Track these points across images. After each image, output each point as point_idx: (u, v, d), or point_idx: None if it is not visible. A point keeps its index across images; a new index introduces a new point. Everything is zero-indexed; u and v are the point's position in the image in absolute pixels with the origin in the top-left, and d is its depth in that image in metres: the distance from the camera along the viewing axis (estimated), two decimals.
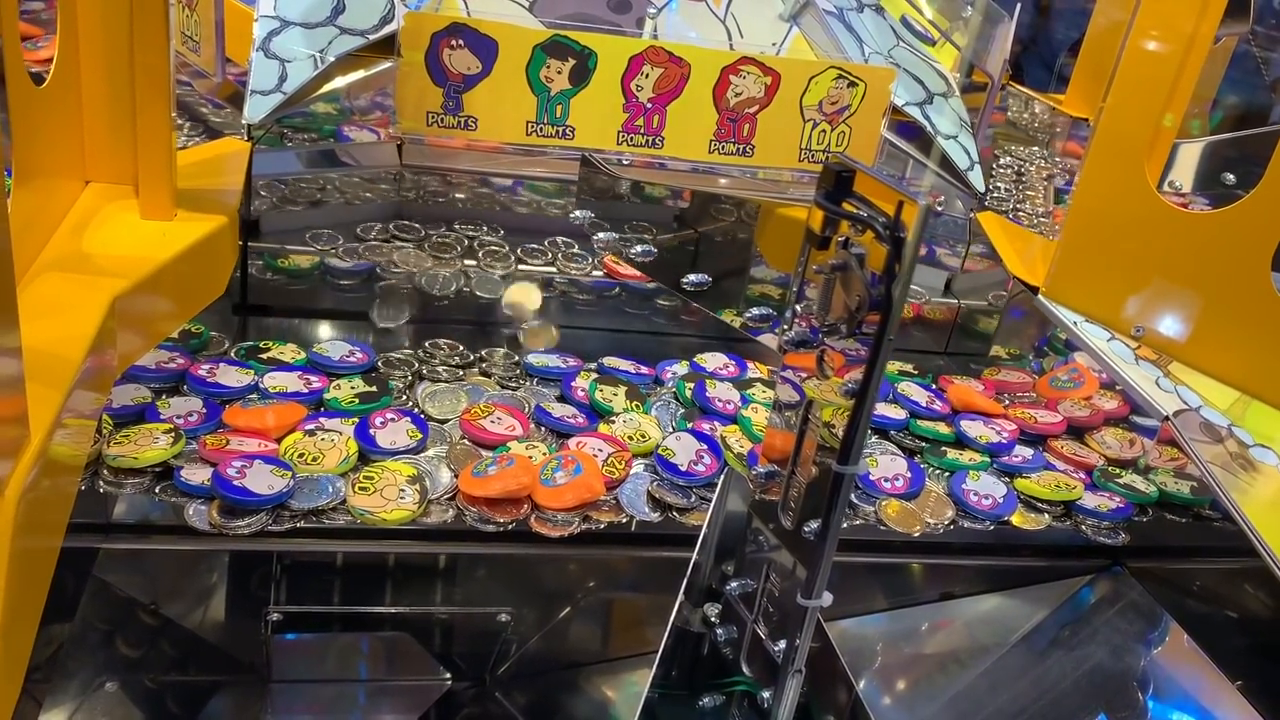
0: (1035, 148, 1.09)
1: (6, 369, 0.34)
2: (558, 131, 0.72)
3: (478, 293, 0.76)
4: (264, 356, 0.65)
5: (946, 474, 0.67)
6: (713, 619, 0.53)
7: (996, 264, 0.78)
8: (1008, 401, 0.77)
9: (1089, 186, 0.69)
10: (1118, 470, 0.70)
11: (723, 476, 0.57)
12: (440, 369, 0.68)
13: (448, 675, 0.63)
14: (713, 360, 0.74)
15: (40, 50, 0.74)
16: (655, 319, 0.81)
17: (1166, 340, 0.67)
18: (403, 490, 0.55)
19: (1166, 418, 0.62)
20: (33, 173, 0.49)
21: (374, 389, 0.63)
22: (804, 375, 0.45)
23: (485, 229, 0.78)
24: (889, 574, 0.67)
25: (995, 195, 0.95)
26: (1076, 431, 0.74)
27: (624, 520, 0.58)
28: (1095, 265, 0.69)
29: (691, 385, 0.69)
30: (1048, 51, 1.49)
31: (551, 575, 0.67)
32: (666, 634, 0.51)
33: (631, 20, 0.74)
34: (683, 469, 0.60)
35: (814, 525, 0.45)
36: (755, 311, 0.77)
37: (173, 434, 0.55)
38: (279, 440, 0.58)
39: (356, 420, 0.60)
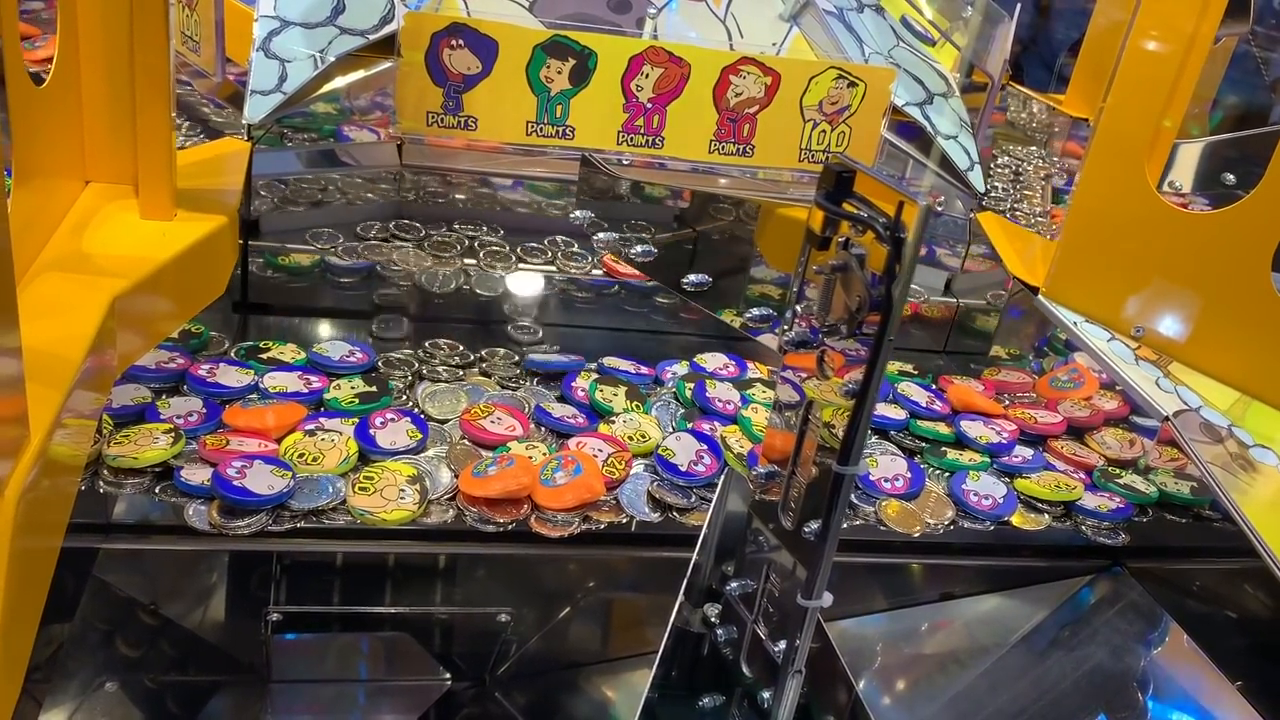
0: (1033, 147, 1.09)
1: (6, 369, 0.34)
2: (558, 131, 0.72)
3: (477, 290, 0.76)
4: (264, 356, 0.65)
5: (946, 474, 0.67)
6: (713, 619, 0.53)
7: (996, 264, 0.78)
8: (1008, 402, 0.77)
9: (1089, 186, 0.69)
10: (1118, 470, 0.70)
11: (723, 477, 0.57)
12: (440, 369, 0.68)
13: (447, 675, 0.63)
14: (713, 360, 0.74)
15: (38, 50, 0.74)
16: (655, 316, 0.81)
17: (1166, 340, 0.67)
18: (403, 490, 0.55)
19: (1166, 418, 0.62)
20: (33, 173, 0.49)
21: (374, 389, 0.63)
22: (804, 375, 0.45)
23: (485, 229, 0.78)
24: (889, 574, 0.67)
25: (993, 195, 0.95)
26: (1076, 432, 0.74)
27: (624, 520, 0.58)
28: (1095, 265, 0.69)
29: (691, 385, 0.69)
30: (1048, 51, 1.49)
31: (551, 575, 0.67)
32: (666, 634, 0.51)
33: (631, 20, 0.74)
34: (683, 469, 0.60)
35: (814, 526, 0.45)
36: (755, 311, 0.77)
37: (173, 434, 0.55)
38: (279, 440, 0.58)
39: (356, 420, 0.60)
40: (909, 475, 0.65)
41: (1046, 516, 0.65)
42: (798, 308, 0.45)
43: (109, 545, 0.56)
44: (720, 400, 0.69)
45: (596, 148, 0.73)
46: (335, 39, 0.68)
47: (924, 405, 0.73)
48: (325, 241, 0.74)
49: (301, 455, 0.56)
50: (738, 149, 0.75)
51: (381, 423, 0.60)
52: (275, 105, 0.66)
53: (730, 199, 0.78)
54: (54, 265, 0.48)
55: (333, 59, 0.67)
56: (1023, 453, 0.70)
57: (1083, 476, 0.69)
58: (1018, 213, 0.95)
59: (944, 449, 0.69)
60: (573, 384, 0.68)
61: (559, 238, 0.80)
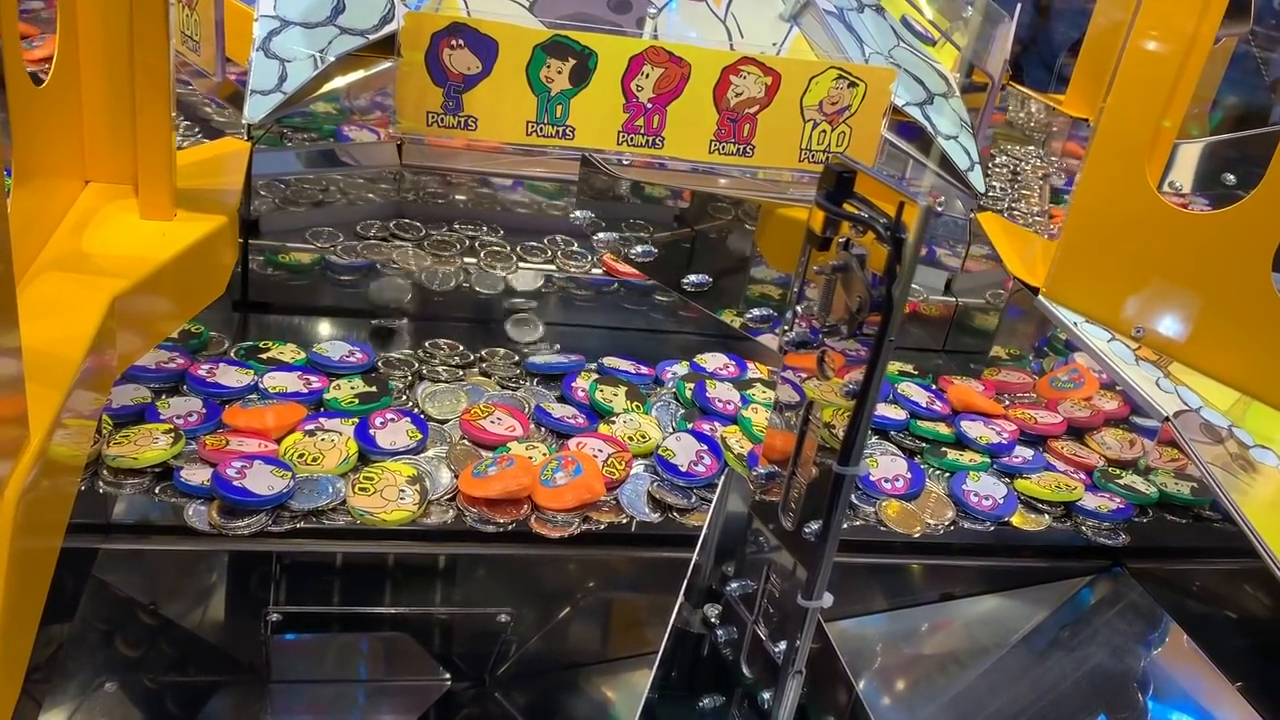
0: (1031, 147, 1.09)
1: (6, 369, 0.34)
2: (558, 131, 0.72)
3: (478, 288, 0.76)
4: (264, 356, 0.65)
5: (947, 474, 0.67)
6: (713, 620, 0.53)
7: (996, 264, 0.78)
8: (1008, 402, 0.77)
9: (1089, 187, 0.69)
10: (1118, 471, 0.70)
11: (723, 477, 0.57)
12: (440, 369, 0.68)
13: (447, 676, 0.63)
14: (713, 360, 0.74)
15: (37, 49, 0.74)
16: (655, 316, 0.81)
17: (1167, 340, 0.67)
18: (403, 491, 0.55)
19: (1167, 418, 0.62)
20: (32, 173, 0.49)
21: (374, 389, 0.63)
22: (804, 376, 0.45)
23: (485, 229, 0.78)
24: (889, 575, 0.67)
25: (991, 194, 0.95)
26: (1077, 432, 0.74)
27: (624, 521, 0.57)
28: (1095, 265, 0.69)
29: (691, 385, 0.69)
30: (1048, 51, 1.49)
31: (551, 576, 0.67)
32: (667, 635, 0.51)
33: (631, 20, 0.74)
34: (683, 469, 0.60)
35: (814, 526, 0.45)
36: (755, 312, 0.77)
37: (172, 434, 0.55)
38: (279, 440, 0.58)
39: (356, 420, 0.60)
40: (909, 475, 0.65)
41: (1047, 517, 0.65)
42: (798, 308, 0.45)
43: (109, 545, 0.56)
44: (720, 400, 0.69)
45: (596, 148, 0.73)
46: (335, 39, 0.68)
47: (924, 405, 0.73)
48: (325, 240, 0.74)
49: (301, 455, 0.56)
50: (738, 149, 0.75)
51: (381, 423, 0.60)
52: (275, 105, 0.66)
53: (730, 199, 0.78)
54: (54, 265, 0.48)
55: (333, 59, 0.67)
56: (1023, 453, 0.70)
57: (1083, 477, 0.69)
58: (1015, 212, 0.95)
59: (944, 449, 0.69)
60: (573, 384, 0.68)
61: (559, 237, 0.80)
